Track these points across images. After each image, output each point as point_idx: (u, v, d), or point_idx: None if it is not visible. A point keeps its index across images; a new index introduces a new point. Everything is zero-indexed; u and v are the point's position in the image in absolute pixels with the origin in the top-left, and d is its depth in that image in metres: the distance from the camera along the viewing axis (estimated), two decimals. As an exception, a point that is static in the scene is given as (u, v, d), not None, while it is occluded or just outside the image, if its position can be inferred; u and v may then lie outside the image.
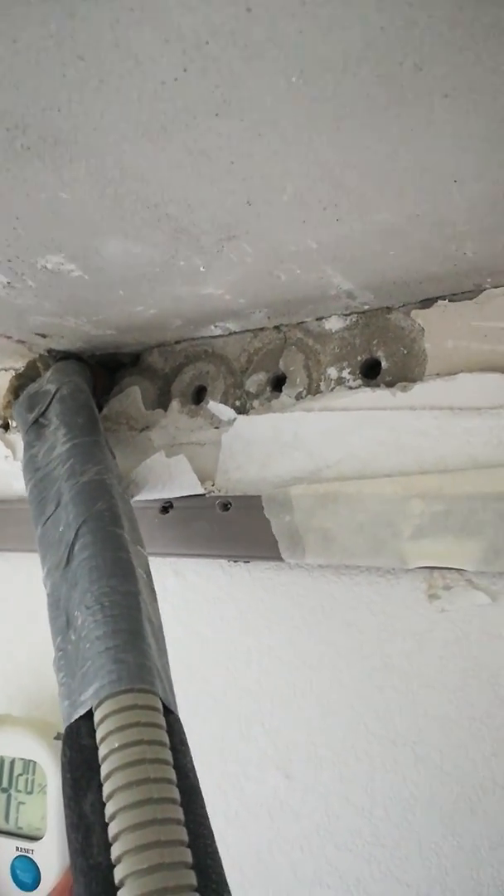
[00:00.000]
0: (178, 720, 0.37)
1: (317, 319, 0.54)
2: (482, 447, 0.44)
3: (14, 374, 0.62)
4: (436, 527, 0.44)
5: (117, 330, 0.57)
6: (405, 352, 0.50)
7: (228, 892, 0.32)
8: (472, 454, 0.45)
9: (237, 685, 0.54)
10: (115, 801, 0.32)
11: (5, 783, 0.56)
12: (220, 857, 0.33)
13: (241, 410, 0.56)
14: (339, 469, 0.49)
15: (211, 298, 0.50)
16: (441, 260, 0.43)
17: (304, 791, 0.50)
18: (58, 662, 0.40)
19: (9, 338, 0.58)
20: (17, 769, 0.56)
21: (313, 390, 0.53)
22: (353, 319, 0.53)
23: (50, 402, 0.54)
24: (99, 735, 0.34)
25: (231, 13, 0.24)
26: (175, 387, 0.61)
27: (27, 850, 0.53)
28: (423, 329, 0.49)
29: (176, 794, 0.33)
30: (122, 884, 0.30)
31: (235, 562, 0.55)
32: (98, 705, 0.35)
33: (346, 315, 0.53)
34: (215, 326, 0.57)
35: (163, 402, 0.61)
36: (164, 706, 0.36)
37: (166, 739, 0.35)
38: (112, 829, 0.31)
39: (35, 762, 0.55)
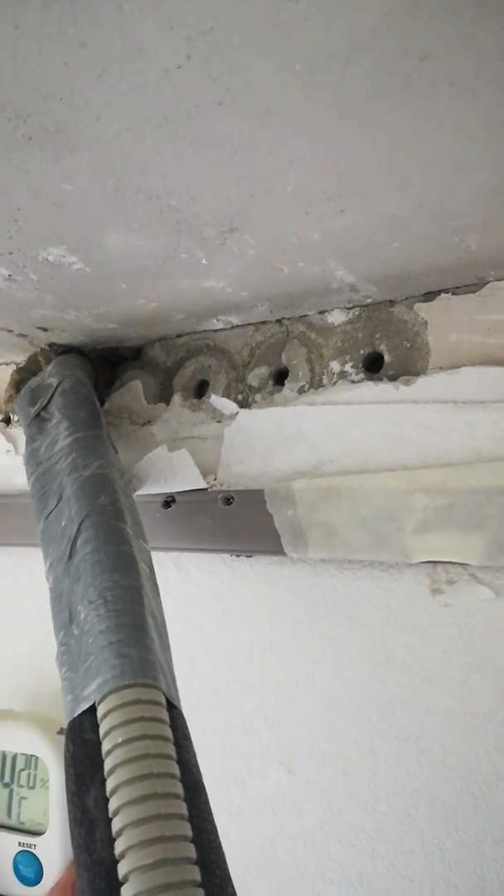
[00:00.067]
0: (181, 715, 0.37)
1: (319, 313, 0.54)
2: (486, 441, 0.44)
3: (15, 368, 0.62)
4: (439, 521, 0.44)
5: (119, 324, 0.57)
6: (408, 345, 0.50)
7: (232, 887, 0.32)
8: (475, 448, 0.44)
9: (239, 680, 0.54)
10: (118, 797, 0.32)
11: (7, 778, 0.56)
12: (223, 853, 0.33)
13: (244, 404, 0.56)
14: (342, 463, 0.49)
15: (213, 291, 0.50)
16: (444, 252, 0.43)
17: (307, 786, 0.50)
18: (60, 657, 0.39)
19: (10, 331, 0.58)
20: (20, 764, 0.56)
21: (316, 384, 0.53)
22: (356, 313, 0.52)
23: (52, 396, 0.54)
24: (102, 730, 0.34)
25: (235, -1, 0.24)
26: (177, 381, 0.61)
27: (29, 845, 0.53)
28: (426, 322, 0.49)
29: (179, 789, 0.33)
30: (125, 879, 0.29)
31: (238, 556, 0.55)
32: (101, 700, 0.35)
33: (349, 308, 0.53)
34: (217, 320, 0.57)
35: (164, 397, 0.61)
36: (168, 701, 0.36)
37: (170, 734, 0.34)
38: (116, 825, 0.31)
39: (37, 757, 0.55)
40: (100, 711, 0.35)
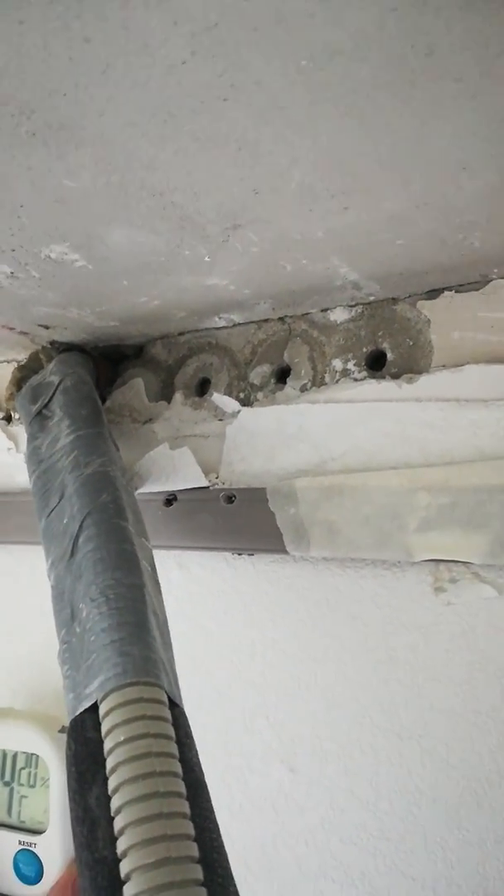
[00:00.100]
0: (183, 713, 0.37)
1: (322, 311, 0.54)
2: (489, 439, 0.44)
3: (16, 365, 0.61)
4: (442, 519, 0.43)
5: (120, 321, 0.56)
6: (411, 343, 0.50)
7: (234, 886, 0.32)
8: (478, 446, 0.44)
9: (241, 678, 0.54)
10: (121, 795, 0.31)
11: (8, 777, 0.56)
12: (225, 852, 0.32)
13: (245, 403, 0.56)
14: (345, 461, 0.49)
15: (215, 289, 0.49)
16: (448, 249, 0.43)
17: (309, 784, 0.50)
18: (62, 655, 0.39)
19: (11, 329, 0.58)
20: (20, 763, 0.56)
21: (318, 382, 0.53)
22: (359, 311, 0.52)
23: (53, 394, 0.53)
24: (104, 728, 0.34)
25: (241, -6, 0.23)
26: (178, 379, 0.60)
27: (30, 844, 0.53)
28: (429, 320, 0.49)
29: (182, 787, 0.32)
30: (128, 878, 0.29)
31: (240, 554, 0.55)
32: (103, 698, 0.35)
33: (352, 306, 0.53)
34: (219, 318, 0.57)
35: (166, 395, 0.61)
36: (170, 699, 0.36)
37: (172, 733, 0.34)
38: (118, 823, 0.31)
39: (38, 756, 0.55)
40: (102, 709, 0.35)
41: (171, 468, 0.55)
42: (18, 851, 0.53)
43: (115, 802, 0.32)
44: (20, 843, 0.53)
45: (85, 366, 0.58)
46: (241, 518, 0.51)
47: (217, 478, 0.54)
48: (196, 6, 0.24)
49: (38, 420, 0.53)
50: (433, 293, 0.49)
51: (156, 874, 0.29)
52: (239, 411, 0.54)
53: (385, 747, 0.47)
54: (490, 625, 0.45)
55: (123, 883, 0.29)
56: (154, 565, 0.44)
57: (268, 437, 0.52)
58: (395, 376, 0.49)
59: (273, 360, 0.56)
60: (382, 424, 0.48)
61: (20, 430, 0.65)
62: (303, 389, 0.53)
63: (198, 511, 0.53)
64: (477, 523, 0.42)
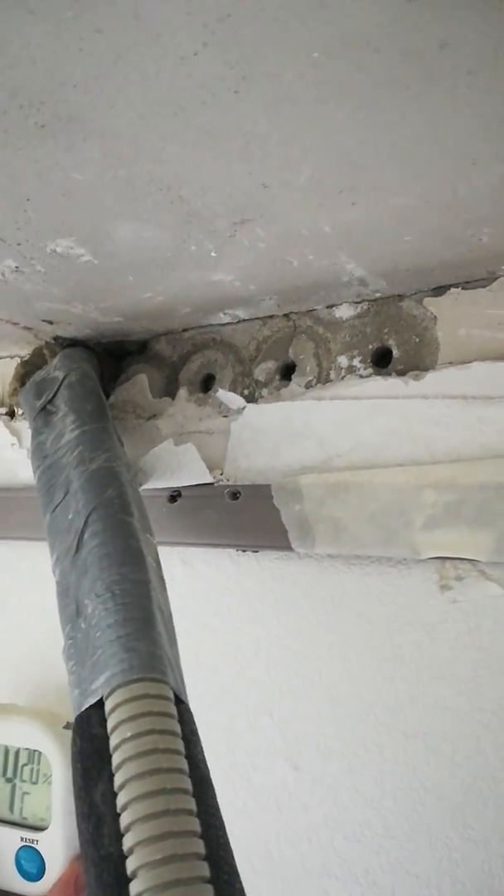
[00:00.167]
0: (188, 710, 0.37)
1: (327, 307, 0.54)
2: (496, 436, 0.44)
3: (20, 361, 0.61)
4: (448, 517, 0.43)
5: (125, 317, 0.56)
6: (417, 340, 0.49)
7: (240, 883, 0.31)
8: (485, 443, 0.44)
9: (245, 675, 0.53)
10: (127, 791, 0.31)
11: (10, 773, 0.55)
12: (231, 849, 0.32)
13: (250, 399, 0.56)
14: (350, 458, 0.49)
15: (221, 285, 0.49)
16: (456, 245, 0.42)
17: (313, 782, 0.50)
18: (67, 651, 0.39)
19: (15, 324, 0.58)
20: (23, 759, 0.55)
21: (323, 379, 0.53)
22: (364, 307, 0.52)
23: (58, 389, 0.53)
24: (110, 724, 0.34)
25: (255, -16, 0.23)
26: (183, 375, 0.60)
27: (32, 841, 0.53)
28: (435, 317, 0.49)
29: (188, 784, 0.32)
30: (134, 875, 0.29)
31: (244, 551, 0.54)
32: (109, 694, 0.35)
33: (357, 303, 0.52)
34: (224, 314, 0.56)
35: (170, 391, 0.61)
36: (175, 696, 0.36)
37: (178, 729, 0.34)
38: (124, 820, 0.31)
39: (40, 752, 0.54)
40: (108, 706, 0.35)
41: (175, 464, 0.55)
42: (20, 848, 0.53)
43: (121, 799, 0.31)
44: (22, 839, 0.53)
45: (89, 361, 0.58)
46: (246, 515, 0.51)
47: (222, 474, 0.54)
48: (210, -4, 0.24)
49: (43, 415, 0.53)
50: (440, 290, 0.49)
51: (162, 871, 0.29)
52: (244, 408, 0.54)
53: (390, 745, 0.47)
54: (496, 623, 0.45)
55: (129, 880, 0.29)
56: (159, 561, 0.44)
57: (273, 434, 0.52)
58: (401, 373, 0.49)
59: (278, 356, 0.55)
60: (388, 421, 0.48)
61: (23, 426, 0.65)
62: (308, 386, 0.53)
63: (202, 507, 0.53)
64: (483, 521, 0.42)
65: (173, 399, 0.59)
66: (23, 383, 0.58)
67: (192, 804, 0.32)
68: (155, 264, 0.45)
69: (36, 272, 0.46)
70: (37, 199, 0.37)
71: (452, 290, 0.48)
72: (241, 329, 0.58)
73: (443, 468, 0.44)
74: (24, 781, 0.55)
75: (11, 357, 0.67)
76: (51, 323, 0.57)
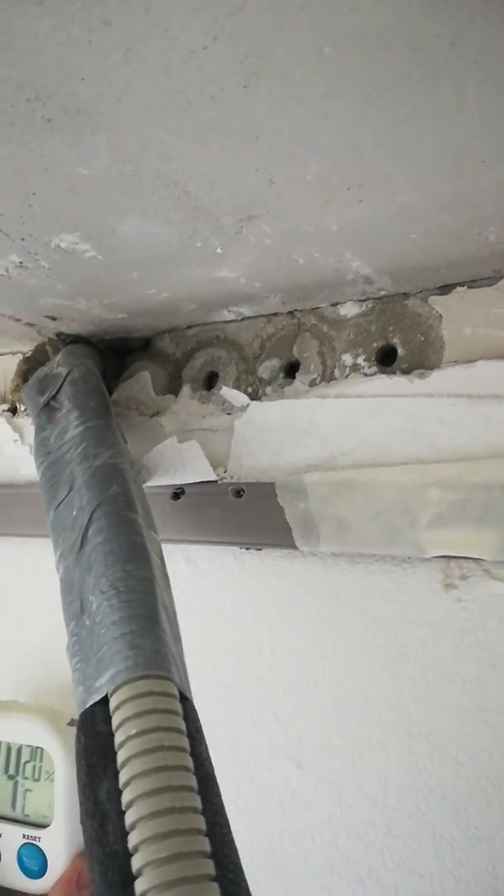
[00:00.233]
0: (193, 707, 0.37)
1: (332, 305, 0.54)
2: (501, 435, 0.44)
3: (22, 357, 0.61)
4: (454, 515, 0.43)
5: (128, 313, 0.56)
6: (422, 339, 0.49)
7: (245, 881, 0.31)
8: (490, 442, 0.44)
9: (249, 673, 0.53)
10: (132, 789, 0.31)
11: (12, 770, 0.55)
12: (236, 847, 0.32)
13: (254, 397, 0.55)
14: (355, 456, 0.49)
15: (226, 282, 0.49)
16: (462, 244, 0.42)
17: (317, 780, 0.50)
18: (72, 648, 0.39)
19: (18, 320, 0.57)
20: (25, 756, 0.55)
21: (327, 377, 0.53)
22: (369, 305, 0.52)
23: (61, 385, 0.53)
24: (115, 722, 0.34)
25: (267, -23, 0.23)
26: (186, 372, 0.60)
27: (34, 838, 0.53)
28: (440, 316, 0.49)
29: (193, 781, 0.32)
30: (140, 873, 0.29)
31: (248, 549, 0.54)
32: (114, 691, 0.35)
33: (362, 301, 0.52)
34: (228, 311, 0.56)
35: (173, 388, 0.60)
36: (180, 693, 0.36)
37: (183, 727, 0.34)
38: (129, 818, 0.31)
39: (42, 749, 0.54)
40: (112, 703, 0.35)
41: (179, 462, 0.55)
42: (22, 845, 0.53)
43: (126, 796, 0.31)
44: (24, 836, 0.53)
45: (92, 358, 0.58)
46: (250, 512, 0.51)
47: (225, 472, 0.54)
48: (221, -11, 0.24)
49: (46, 411, 0.52)
50: (445, 288, 0.49)
51: (168, 869, 0.29)
52: (248, 405, 0.54)
53: (394, 744, 0.47)
54: (501, 621, 0.44)
55: (135, 877, 0.29)
56: (163, 558, 0.44)
57: (277, 432, 0.52)
58: (406, 372, 0.49)
59: (282, 354, 0.55)
60: (393, 420, 0.47)
61: (25, 422, 0.65)
62: (312, 384, 0.53)
63: (206, 505, 0.53)
64: (489, 520, 0.42)
65: (177, 396, 0.59)
66: (25, 380, 0.58)
67: (197, 802, 0.32)
68: (160, 260, 0.45)
69: (40, 268, 0.46)
70: (42, 193, 0.37)
71: (458, 288, 0.48)
72: (245, 326, 0.58)
73: (448, 467, 0.44)
74: (26, 778, 0.55)
75: (13, 353, 0.67)
76: (54, 319, 0.57)
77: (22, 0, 0.24)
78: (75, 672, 0.38)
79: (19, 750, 0.55)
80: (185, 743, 0.34)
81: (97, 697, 0.35)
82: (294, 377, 0.54)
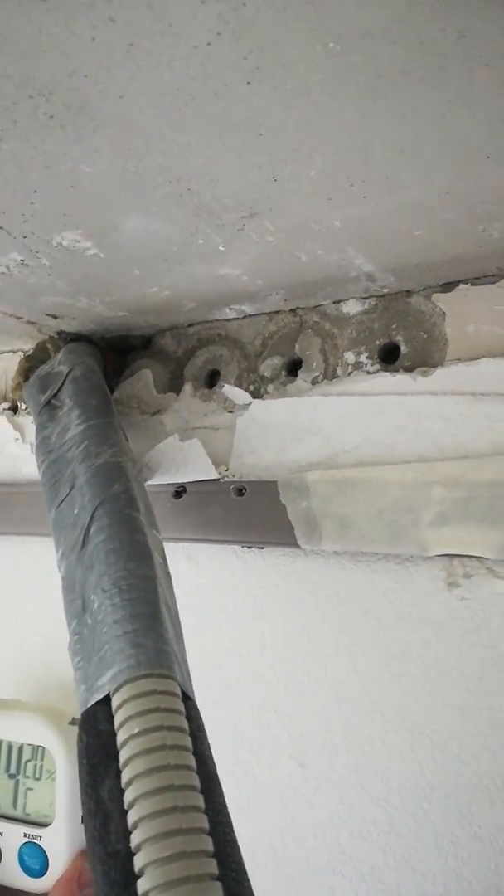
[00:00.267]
0: (195, 706, 0.36)
1: (334, 303, 0.54)
2: (505, 433, 0.44)
3: (23, 355, 0.61)
4: (457, 514, 0.43)
5: (130, 311, 0.56)
6: (425, 336, 0.49)
7: (248, 880, 0.31)
8: (494, 440, 0.44)
9: (250, 672, 0.53)
10: (134, 788, 0.31)
11: (13, 769, 0.55)
12: (238, 846, 0.32)
13: (255, 395, 0.55)
14: (358, 455, 0.48)
15: (227, 279, 0.49)
16: (466, 241, 0.42)
17: (318, 779, 0.50)
18: (73, 646, 0.39)
19: (19, 318, 0.57)
20: (26, 755, 0.55)
21: (330, 375, 0.52)
22: (372, 303, 0.52)
23: (63, 384, 0.53)
24: (117, 720, 0.34)
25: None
26: (187, 370, 0.60)
27: (35, 837, 0.53)
28: (444, 313, 0.48)
29: (196, 781, 0.32)
30: (142, 872, 0.29)
31: (249, 548, 0.54)
32: (116, 690, 0.35)
33: (365, 298, 0.52)
34: (230, 309, 0.56)
35: (175, 386, 0.60)
36: (182, 692, 0.36)
37: (186, 726, 0.34)
38: (132, 817, 0.31)
39: (44, 748, 0.54)
40: (114, 701, 0.34)
41: (180, 460, 0.55)
42: (23, 844, 0.53)
43: (128, 795, 0.31)
44: (25, 835, 0.53)
45: (93, 356, 0.58)
46: (252, 511, 0.51)
47: (227, 470, 0.54)
48: (225, -16, 0.23)
49: (48, 410, 0.52)
50: (448, 286, 0.48)
51: (171, 868, 0.29)
52: (250, 403, 0.54)
53: (396, 743, 0.47)
54: (504, 620, 0.44)
55: (137, 877, 0.29)
56: (165, 557, 0.44)
57: (279, 430, 0.52)
58: (409, 369, 0.49)
59: (284, 352, 0.55)
60: (396, 418, 0.47)
61: (26, 421, 0.65)
62: (314, 382, 0.53)
63: (207, 503, 0.53)
64: (492, 518, 0.42)
65: (178, 394, 0.59)
66: (26, 378, 0.58)
67: (199, 801, 0.32)
68: (162, 258, 0.45)
69: (41, 266, 0.46)
70: (44, 190, 0.37)
71: (461, 286, 0.48)
72: (246, 324, 0.58)
73: (451, 465, 0.44)
74: (27, 777, 0.55)
75: (14, 352, 0.67)
76: (55, 317, 0.57)
77: (25, -5, 0.24)
78: (77, 671, 0.38)
79: (20, 749, 0.55)
80: (188, 742, 0.33)
81: (99, 696, 0.35)
82: (296, 375, 0.54)
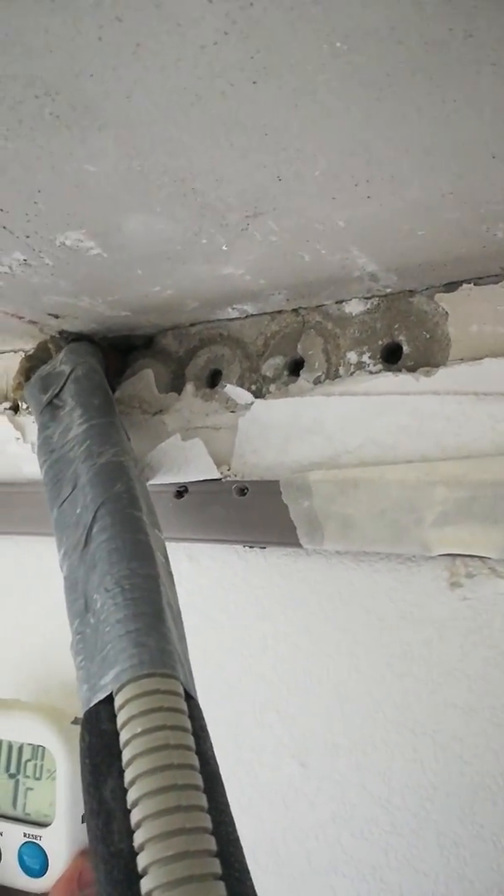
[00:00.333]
0: (198, 706, 0.36)
1: (337, 303, 0.54)
2: (507, 433, 0.44)
3: (24, 355, 0.61)
4: (460, 514, 0.43)
5: (132, 311, 0.56)
6: (428, 336, 0.49)
7: (250, 880, 0.31)
8: (496, 440, 0.44)
9: (252, 672, 0.53)
10: (137, 788, 0.31)
11: (13, 769, 0.55)
12: (241, 845, 0.32)
13: (257, 395, 0.55)
14: (360, 454, 0.48)
15: (230, 279, 0.49)
16: (470, 241, 0.42)
17: (320, 779, 0.50)
18: (76, 646, 0.39)
19: (21, 318, 0.57)
20: (26, 754, 0.55)
21: (332, 375, 0.52)
22: (375, 303, 0.52)
23: (65, 383, 0.53)
24: (120, 720, 0.34)
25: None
26: (189, 370, 0.60)
27: (35, 837, 0.53)
28: (446, 313, 0.48)
29: (199, 780, 0.32)
30: (145, 871, 0.29)
31: (251, 547, 0.54)
32: (119, 689, 0.35)
33: (368, 298, 0.52)
34: (232, 309, 0.56)
35: (176, 386, 0.60)
36: (185, 691, 0.36)
37: (189, 725, 0.34)
38: (135, 816, 0.31)
39: (44, 747, 0.54)
40: (117, 701, 0.34)
41: (182, 460, 0.55)
42: (23, 844, 0.53)
43: (131, 795, 0.31)
44: (25, 835, 0.53)
45: (95, 356, 0.58)
46: (254, 510, 0.51)
47: (229, 470, 0.54)
48: (233, -17, 0.23)
49: (50, 409, 0.52)
50: (451, 286, 0.49)
51: (174, 868, 0.29)
52: (252, 403, 0.54)
53: (398, 742, 0.47)
54: (506, 620, 0.44)
55: (140, 876, 0.29)
56: (167, 556, 0.44)
57: (281, 430, 0.52)
58: (411, 369, 0.49)
59: (286, 352, 0.55)
60: (398, 418, 0.47)
61: (27, 420, 0.65)
62: (316, 382, 0.53)
63: (209, 503, 0.53)
64: (495, 518, 0.42)
65: (180, 394, 0.59)
66: (28, 377, 0.58)
67: (203, 800, 0.32)
68: (165, 257, 0.45)
69: (44, 265, 0.46)
70: (48, 190, 0.37)
71: (465, 285, 0.48)
72: (248, 324, 0.58)
73: (454, 465, 0.44)
74: (27, 777, 0.55)
75: (15, 352, 0.67)
76: (57, 317, 0.57)
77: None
78: (79, 670, 0.38)
79: (20, 748, 0.55)
80: (191, 741, 0.33)
81: (102, 696, 0.35)
82: (298, 375, 0.54)
